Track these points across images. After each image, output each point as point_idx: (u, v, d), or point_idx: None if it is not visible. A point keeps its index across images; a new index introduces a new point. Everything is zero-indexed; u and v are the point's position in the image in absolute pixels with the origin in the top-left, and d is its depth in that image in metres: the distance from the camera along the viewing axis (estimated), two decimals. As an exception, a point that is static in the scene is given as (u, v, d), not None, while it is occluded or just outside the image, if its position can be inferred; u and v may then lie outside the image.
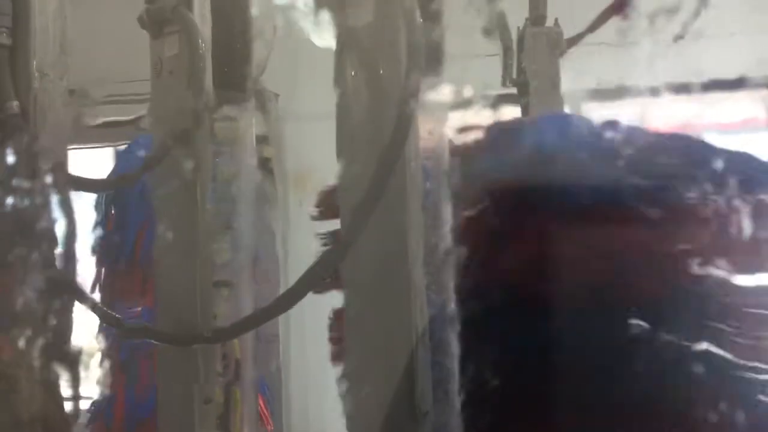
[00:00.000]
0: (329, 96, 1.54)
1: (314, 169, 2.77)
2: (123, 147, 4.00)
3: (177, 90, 1.65)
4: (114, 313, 1.91)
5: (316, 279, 1.36)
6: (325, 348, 1.78)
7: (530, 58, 2.78)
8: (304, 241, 1.91)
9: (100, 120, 5.65)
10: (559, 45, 2.83)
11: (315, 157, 2.45)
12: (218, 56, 1.68)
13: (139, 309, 2.96)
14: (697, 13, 2.92)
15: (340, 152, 1.43)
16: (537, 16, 2.83)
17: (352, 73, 1.46)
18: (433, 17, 1.45)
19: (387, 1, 1.42)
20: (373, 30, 1.43)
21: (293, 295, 1.42)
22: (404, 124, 1.34)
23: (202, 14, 1.66)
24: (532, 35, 2.80)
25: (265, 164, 3.12)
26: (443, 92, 1.51)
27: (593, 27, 3.20)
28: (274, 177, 3.05)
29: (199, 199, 1.68)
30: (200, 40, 1.63)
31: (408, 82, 1.33)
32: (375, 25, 1.43)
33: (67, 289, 1.74)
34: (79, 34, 2.09)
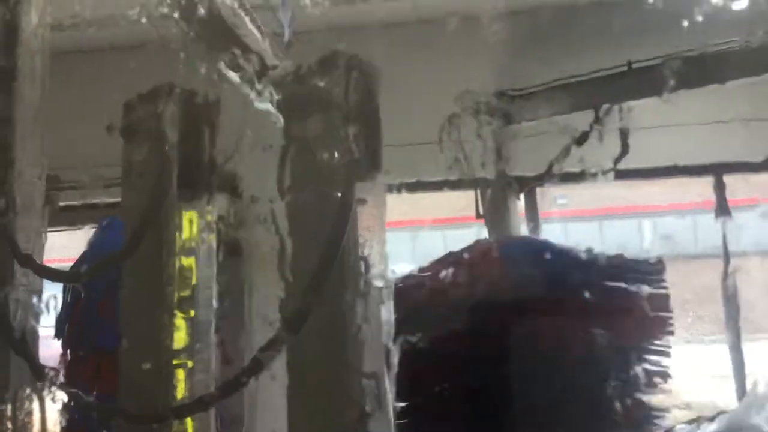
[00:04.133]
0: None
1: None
2: (94, 229, 4.07)
3: (145, 190, 1.83)
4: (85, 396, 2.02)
5: (267, 360, 1.51)
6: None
7: (492, 202, 3.86)
8: (269, 320, 2.05)
9: (71, 203, 5.79)
10: (514, 193, 3.94)
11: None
12: (184, 160, 1.87)
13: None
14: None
15: (290, 241, 1.61)
16: (499, 172, 3.88)
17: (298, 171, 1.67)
18: (371, 131, 1.67)
19: (331, 117, 1.63)
20: (321, 139, 1.64)
21: (247, 374, 1.57)
22: (342, 221, 1.53)
23: (171, 124, 1.85)
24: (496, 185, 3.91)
25: (236, 246, 3.26)
26: (380, 193, 1.71)
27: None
28: (243, 258, 3.18)
29: (162, 288, 1.83)
30: (167, 149, 1.81)
31: (346, 185, 1.52)
32: (323, 136, 1.64)
33: (36, 374, 1.86)
34: (52, 124, 2.27)
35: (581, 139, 3.74)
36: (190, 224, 1.90)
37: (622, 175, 5.61)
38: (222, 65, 2.65)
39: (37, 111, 2.06)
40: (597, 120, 3.75)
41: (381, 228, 1.68)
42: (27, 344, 1.74)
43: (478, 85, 4.34)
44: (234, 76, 2.78)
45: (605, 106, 3.83)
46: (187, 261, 1.89)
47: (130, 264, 1.86)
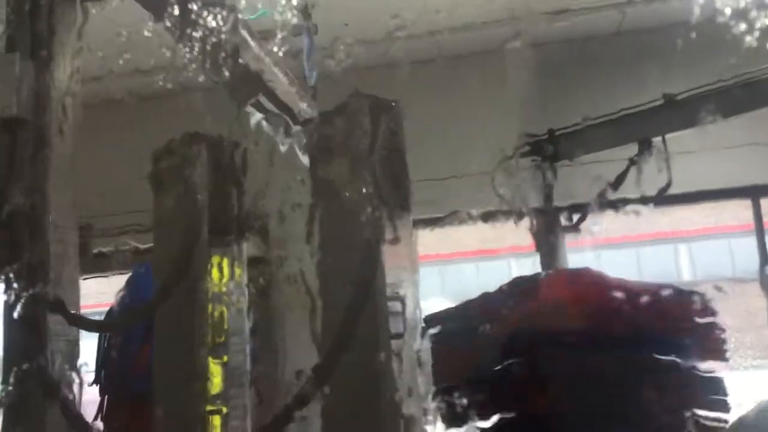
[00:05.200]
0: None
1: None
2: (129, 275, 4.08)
3: (176, 238, 1.84)
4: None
5: (295, 410, 1.50)
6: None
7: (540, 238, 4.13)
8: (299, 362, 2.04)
9: (103, 249, 5.88)
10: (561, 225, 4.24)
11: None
12: (214, 207, 1.88)
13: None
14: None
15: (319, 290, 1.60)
16: (546, 206, 4.16)
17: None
18: (398, 171, 1.66)
19: (359, 162, 1.64)
20: (347, 184, 1.64)
21: (282, 422, 1.56)
22: (372, 262, 1.52)
23: (201, 172, 1.86)
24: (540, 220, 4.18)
25: (266, 288, 3.27)
26: (409, 231, 1.70)
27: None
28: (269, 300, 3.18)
29: (195, 335, 1.84)
30: (198, 197, 1.83)
31: (374, 228, 1.52)
32: (349, 180, 1.64)
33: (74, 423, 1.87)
34: (84, 174, 2.30)
35: (621, 177, 3.92)
36: (221, 270, 1.91)
37: (660, 201, 5.56)
38: (249, 110, 2.69)
39: (70, 163, 2.10)
40: (641, 153, 3.81)
41: (413, 266, 1.66)
42: (64, 395, 1.75)
43: (504, 121, 4.49)
44: (261, 120, 2.82)
45: (647, 139, 3.97)
46: (220, 307, 1.89)
47: (163, 311, 1.87)
